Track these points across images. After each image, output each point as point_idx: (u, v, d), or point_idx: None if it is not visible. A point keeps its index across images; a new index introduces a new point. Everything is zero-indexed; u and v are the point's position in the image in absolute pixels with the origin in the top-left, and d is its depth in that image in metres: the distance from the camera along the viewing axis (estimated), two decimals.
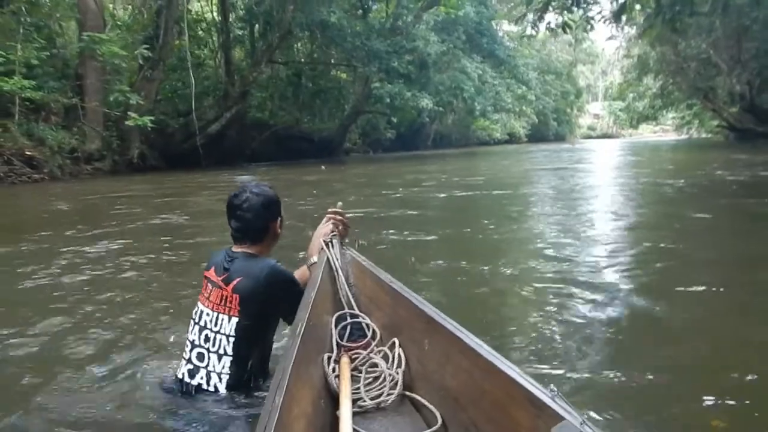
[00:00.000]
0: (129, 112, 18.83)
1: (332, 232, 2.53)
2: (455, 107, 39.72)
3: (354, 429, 1.51)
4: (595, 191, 12.87)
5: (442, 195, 12.38)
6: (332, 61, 32.23)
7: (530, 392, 1.21)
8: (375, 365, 1.94)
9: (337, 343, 2.10)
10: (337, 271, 2.34)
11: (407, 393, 1.80)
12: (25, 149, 17.08)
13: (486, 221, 8.48)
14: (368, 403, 1.75)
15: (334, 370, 1.92)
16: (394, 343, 1.99)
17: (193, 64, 24.71)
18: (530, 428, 1.21)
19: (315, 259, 2.46)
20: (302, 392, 1.57)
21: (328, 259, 2.38)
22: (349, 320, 2.20)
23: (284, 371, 1.47)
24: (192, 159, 23.90)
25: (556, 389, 1.20)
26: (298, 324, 1.81)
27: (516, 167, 22.71)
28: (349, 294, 2.28)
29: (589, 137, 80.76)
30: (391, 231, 7.21)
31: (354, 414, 1.62)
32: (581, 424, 1.09)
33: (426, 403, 1.68)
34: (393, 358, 1.94)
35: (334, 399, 1.77)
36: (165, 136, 23.91)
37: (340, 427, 1.47)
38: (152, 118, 19.49)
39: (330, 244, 2.45)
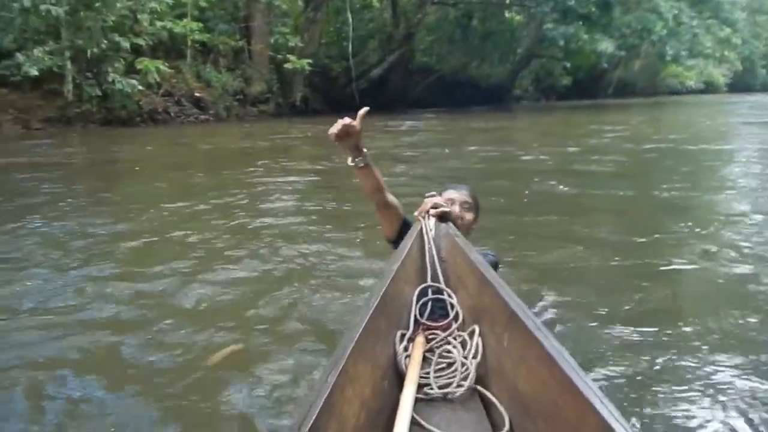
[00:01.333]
0: (289, 55, 18.79)
1: (432, 208, 2.37)
2: (642, 51, 35.66)
3: (413, 417, 1.40)
4: None
5: (626, 150, 11.02)
6: (505, 1, 30.06)
7: (605, 421, 1.03)
8: (450, 351, 1.76)
9: (416, 320, 1.92)
10: (427, 242, 2.20)
11: (478, 387, 1.63)
12: (195, 90, 17.76)
13: (675, 186, 7.21)
14: (435, 391, 1.59)
15: (406, 349, 1.76)
16: (474, 330, 1.81)
17: (357, 6, 24.27)
18: None
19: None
20: (363, 371, 1.44)
21: (420, 229, 2.26)
22: (431, 296, 2.02)
23: (345, 347, 1.38)
24: (355, 103, 23.72)
25: (638, 425, 1.21)
26: (373, 295, 1.70)
27: (717, 120, 19.76)
28: (438, 267, 2.10)
29: None
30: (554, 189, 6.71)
31: (417, 401, 1.51)
32: None
33: (496, 402, 1.54)
34: (470, 346, 1.75)
35: (401, 381, 1.60)
36: (328, 80, 23.91)
37: (398, 414, 1.36)
38: (310, 61, 19.37)
39: (425, 216, 2.34)
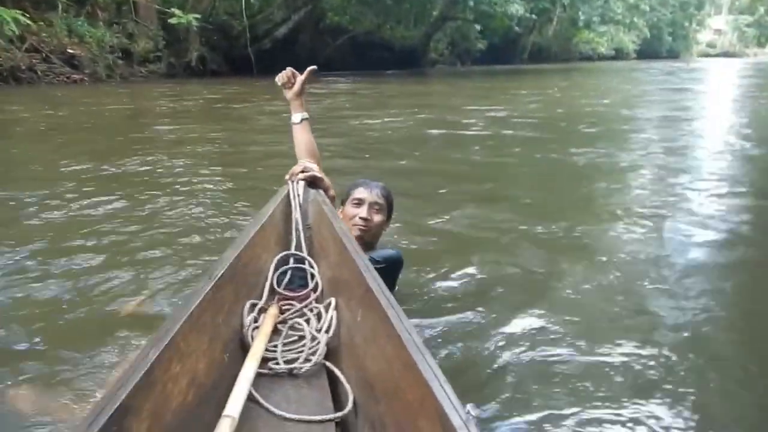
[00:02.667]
0: (174, 9, 16.81)
1: (302, 172, 2.16)
2: (556, 16, 35.25)
3: (251, 393, 1.30)
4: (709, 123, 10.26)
5: (535, 120, 10.18)
6: None
7: (441, 407, 0.95)
8: (301, 324, 1.65)
9: (272, 290, 1.79)
10: (294, 207, 2.05)
11: (327, 363, 1.52)
12: (68, 47, 15.57)
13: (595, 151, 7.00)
14: (281, 366, 1.48)
15: (256, 320, 1.63)
16: (330, 303, 1.69)
17: None
18: None
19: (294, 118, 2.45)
20: (196, 344, 1.30)
21: (287, 194, 2.10)
22: (292, 264, 1.89)
23: (175, 319, 1.25)
24: (259, 65, 21.90)
25: (473, 413, 1.14)
26: (220, 262, 1.57)
27: (637, 87, 19.42)
28: (302, 235, 1.98)
29: (707, 55, 71.63)
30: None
31: (261, 376, 1.42)
32: None
33: (343, 380, 1.44)
34: (324, 319, 1.64)
35: (246, 355, 1.43)
36: (229, 39, 21.93)
37: (233, 390, 1.22)
38: (198, 16, 17.47)
39: (294, 179, 2.14)
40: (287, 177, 2.19)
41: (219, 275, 1.50)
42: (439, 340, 2.36)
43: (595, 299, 2.86)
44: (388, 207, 2.44)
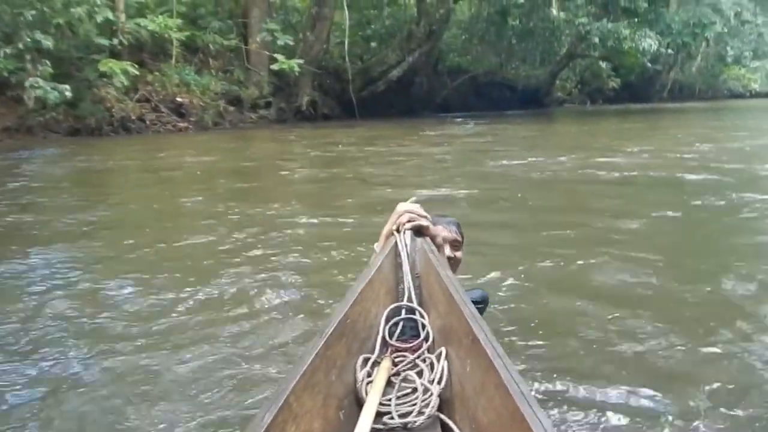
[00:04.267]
0: (276, 55, 16.44)
1: (408, 222, 2.09)
2: (701, 52, 31.84)
3: None
4: None
5: (685, 162, 8.80)
6: None
7: None
8: (413, 377, 1.57)
9: (385, 342, 1.75)
10: (404, 258, 1.98)
11: (441, 416, 1.45)
12: (177, 95, 15.65)
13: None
14: (395, 420, 1.43)
15: (370, 374, 1.58)
16: (440, 353, 1.62)
17: (381, 2, 21.79)
18: None
19: (378, 247, 2.20)
20: (310, 404, 1.33)
21: (395, 245, 2.04)
22: (403, 315, 1.84)
23: (288, 381, 1.27)
24: (373, 108, 21.25)
25: None
26: (330, 320, 1.59)
27: None
28: (412, 286, 1.91)
29: None
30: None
31: (376, 431, 1.36)
32: None
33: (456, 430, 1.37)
34: (436, 370, 1.57)
35: (360, 411, 1.41)
36: (342, 82, 21.45)
37: None
38: (300, 61, 16.91)
39: (400, 231, 2.08)
40: (394, 227, 2.12)
41: (329, 332, 1.51)
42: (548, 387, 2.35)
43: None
44: (463, 241, 2.49)
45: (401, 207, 2.15)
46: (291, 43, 16.90)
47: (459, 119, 20.59)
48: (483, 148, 11.78)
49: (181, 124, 15.54)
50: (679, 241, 4.82)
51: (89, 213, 6.05)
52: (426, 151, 11.48)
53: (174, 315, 3.21)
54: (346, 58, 19.32)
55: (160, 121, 15.30)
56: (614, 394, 2.30)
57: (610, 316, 3.08)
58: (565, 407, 2.24)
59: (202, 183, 8.38)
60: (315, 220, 5.49)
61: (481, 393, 1.31)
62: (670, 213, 5.58)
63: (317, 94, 20.01)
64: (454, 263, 2.33)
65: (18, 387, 2.48)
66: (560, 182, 7.72)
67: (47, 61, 12.64)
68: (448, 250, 2.33)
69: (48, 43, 12.57)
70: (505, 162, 9.47)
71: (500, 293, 3.43)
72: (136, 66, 14.38)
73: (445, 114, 23.61)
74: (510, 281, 3.63)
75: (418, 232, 2.12)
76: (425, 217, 2.14)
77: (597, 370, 2.53)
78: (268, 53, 17.35)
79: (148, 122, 15.11)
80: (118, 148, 13.06)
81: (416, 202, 2.22)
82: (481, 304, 2.40)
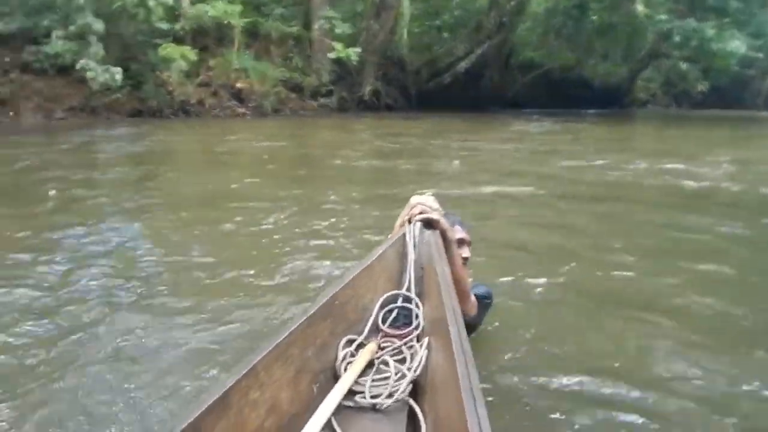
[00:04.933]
0: (334, 43, 16.10)
1: (419, 214, 2.10)
2: None
3: (331, 422, 1.38)
4: None
5: None
6: None
7: None
8: (387, 363, 1.65)
9: (375, 326, 1.84)
10: (410, 248, 2.02)
11: (410, 400, 1.54)
12: (237, 81, 15.60)
13: None
14: (366, 400, 1.52)
15: (353, 354, 1.67)
16: (424, 343, 1.70)
17: None
18: None
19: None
20: (280, 374, 1.40)
21: (403, 235, 2.08)
22: (399, 303, 1.92)
23: (260, 350, 1.36)
24: (439, 100, 20.61)
25: None
26: (317, 299, 1.70)
27: None
28: (412, 276, 1.96)
29: None
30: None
31: (345, 408, 1.48)
32: None
33: (421, 418, 1.46)
34: (417, 359, 1.63)
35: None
36: (407, 73, 20.95)
37: (311, 418, 1.32)
38: (358, 50, 16.46)
39: (411, 222, 2.10)
40: (406, 218, 2.13)
41: (313, 312, 1.58)
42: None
43: None
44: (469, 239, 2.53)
45: (415, 199, 2.16)
46: (349, 31, 16.54)
47: (530, 116, 19.64)
48: (553, 148, 11.06)
49: (240, 110, 15.49)
50: (748, 261, 4.22)
51: (151, 190, 6.34)
52: (492, 147, 10.93)
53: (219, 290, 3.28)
54: (405, 49, 18.67)
55: (219, 105, 15.30)
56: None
57: (651, 329, 2.91)
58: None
59: (262, 167, 8.38)
60: (374, 212, 5.31)
61: (443, 384, 1.36)
62: (746, 231, 5.02)
63: (380, 84, 19.57)
64: (465, 262, 2.37)
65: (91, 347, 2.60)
66: (633, 188, 7.10)
67: (100, 44, 12.74)
68: (466, 251, 2.40)
69: (99, 26, 12.70)
70: (575, 163, 8.89)
71: (535, 295, 3.31)
72: (196, 51, 14.40)
73: (514, 110, 22.66)
74: (545, 284, 3.45)
75: (429, 224, 2.10)
76: (437, 210, 2.13)
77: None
78: (329, 41, 17.07)
79: (207, 106, 15.15)
80: (179, 130, 13.15)
81: (433, 196, 2.21)
82: (487, 299, 2.47)
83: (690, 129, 18.37)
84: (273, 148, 10.41)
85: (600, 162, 8.98)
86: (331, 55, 16.39)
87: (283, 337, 1.42)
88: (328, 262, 3.80)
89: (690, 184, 7.20)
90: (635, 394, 2.33)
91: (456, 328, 1.39)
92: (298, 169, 8.42)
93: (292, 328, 1.47)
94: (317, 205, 5.59)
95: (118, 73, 12.87)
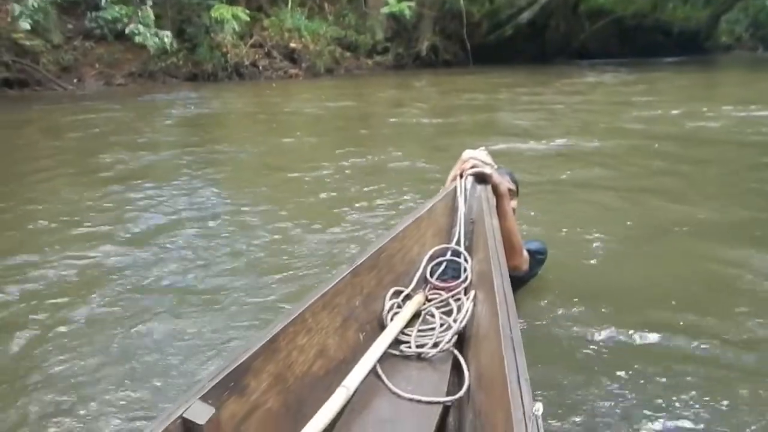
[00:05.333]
0: None
1: (472, 168, 2.09)
2: None
3: (376, 368, 1.44)
4: None
5: None
6: None
7: (509, 402, 0.96)
8: (433, 314, 1.69)
9: (424, 278, 1.88)
10: (460, 202, 2.03)
11: (454, 350, 1.57)
12: (290, 41, 15.45)
13: None
14: (411, 349, 1.57)
15: (399, 306, 1.72)
16: (471, 296, 1.73)
17: None
18: None
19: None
20: (327, 321, 1.45)
21: (454, 189, 2.09)
22: (448, 257, 1.94)
23: (307, 299, 1.40)
24: (500, 54, 19.81)
25: (539, 412, 0.92)
26: (363, 251, 1.72)
27: None
28: (462, 230, 1.97)
29: None
30: None
31: (391, 356, 1.54)
32: None
33: (465, 368, 1.48)
34: (463, 311, 1.66)
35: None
36: (468, 26, 20.15)
37: (357, 365, 1.38)
38: (411, 4, 15.86)
39: (465, 174, 2.10)
40: (458, 172, 2.11)
41: (360, 262, 1.62)
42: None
43: None
44: (517, 191, 2.47)
45: (467, 153, 2.14)
46: None
47: (601, 67, 18.53)
48: (626, 100, 10.33)
49: (293, 71, 15.37)
50: None
51: (217, 153, 6.42)
52: (559, 100, 10.36)
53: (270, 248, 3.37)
54: (463, 0, 17.82)
55: (272, 67, 15.22)
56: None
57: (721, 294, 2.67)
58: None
59: (323, 127, 8.45)
60: (437, 166, 5.20)
61: (485, 335, 1.39)
62: None
63: (438, 39, 18.94)
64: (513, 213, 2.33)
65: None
66: (715, 141, 6.43)
67: (148, 7, 12.80)
68: (514, 203, 2.31)
69: None
70: (650, 114, 8.31)
71: (594, 251, 3.16)
72: (247, 12, 14.29)
73: (583, 61, 21.50)
74: (605, 240, 3.28)
75: (481, 179, 2.08)
76: (489, 165, 2.11)
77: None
78: None
79: (260, 68, 15.10)
80: (238, 92, 13.21)
81: (485, 150, 2.19)
82: (540, 254, 2.42)
83: None
84: (333, 108, 10.31)
85: (680, 112, 8.40)
86: (384, 10, 15.92)
87: (331, 286, 1.48)
88: (393, 214, 3.91)
89: None
90: (692, 347, 2.20)
91: (501, 282, 1.39)
92: (360, 128, 8.37)
93: (339, 278, 1.52)
94: (381, 163, 5.60)
95: (167, 36, 12.93)
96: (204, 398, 1.04)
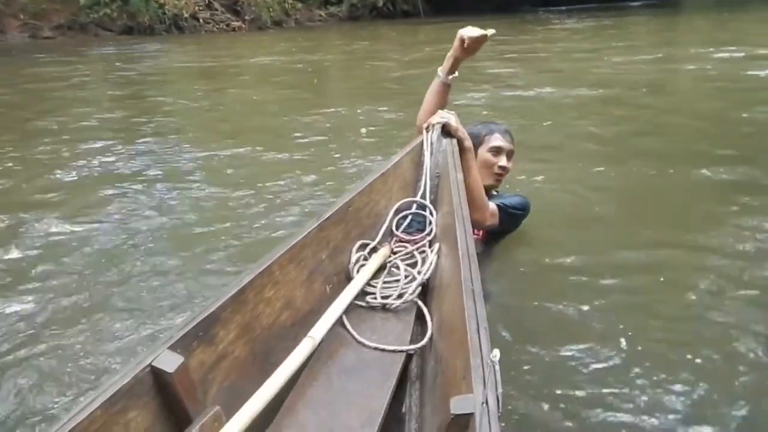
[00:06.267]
0: None
1: (442, 119, 2.05)
2: None
3: (341, 319, 1.48)
4: None
5: None
6: None
7: (468, 348, 0.99)
8: (398, 266, 1.71)
9: (390, 231, 1.87)
10: (426, 156, 1.99)
11: (417, 301, 1.60)
12: None
13: None
14: (376, 300, 1.59)
15: (366, 258, 1.73)
16: (435, 248, 1.75)
17: None
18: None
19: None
20: (294, 274, 1.47)
21: (420, 142, 2.05)
22: (413, 210, 1.92)
23: (274, 252, 1.42)
24: (462, 3, 18.84)
25: (495, 358, 0.90)
26: (331, 205, 1.74)
27: None
28: (428, 183, 1.95)
29: None
30: None
31: (357, 307, 1.57)
32: (482, 404, 0.90)
33: (427, 318, 1.51)
34: (427, 262, 1.69)
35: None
36: None
37: (323, 315, 1.40)
38: None
39: (431, 128, 2.05)
40: (424, 125, 2.07)
41: (327, 216, 1.63)
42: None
43: None
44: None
45: (439, 112, 2.10)
46: None
47: (567, 14, 17.68)
48: (600, 46, 9.66)
49: (235, 23, 14.31)
50: None
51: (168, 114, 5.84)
52: (531, 49, 9.72)
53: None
54: None
55: (213, 19, 14.15)
56: None
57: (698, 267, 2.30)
58: None
59: (280, 83, 7.67)
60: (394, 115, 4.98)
61: (448, 287, 1.41)
62: None
63: None
64: (504, 174, 2.35)
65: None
66: (686, 86, 5.97)
67: None
68: (504, 161, 2.30)
69: None
70: (626, 60, 7.75)
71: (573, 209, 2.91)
72: None
73: (550, 8, 20.68)
74: (587, 197, 3.02)
75: (447, 133, 2.06)
76: (454, 118, 2.08)
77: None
78: None
79: (201, 20, 14.02)
80: (185, 47, 12.10)
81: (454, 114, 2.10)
82: (518, 209, 2.32)
83: (754, 12, 16.00)
84: (290, 63, 9.54)
85: (656, 56, 7.98)
86: None
87: (298, 239, 1.49)
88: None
89: (757, 74, 6.08)
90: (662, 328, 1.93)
91: (464, 235, 1.42)
92: (324, 83, 7.80)
93: (306, 232, 1.53)
94: (346, 120, 5.16)
95: None
96: (173, 347, 1.06)
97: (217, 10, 14.20)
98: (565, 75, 6.98)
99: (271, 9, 14.99)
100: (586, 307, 2.00)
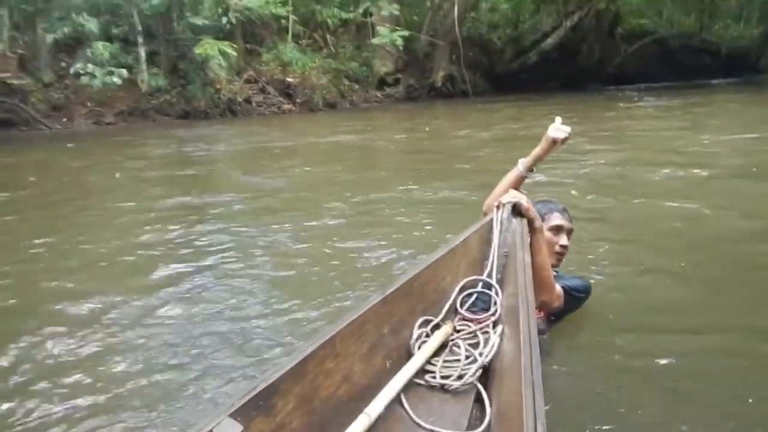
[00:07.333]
0: (378, 26, 14.33)
1: (513, 198, 2.06)
2: None
3: (399, 397, 1.45)
4: None
5: None
6: None
7: None
8: (459, 345, 1.68)
9: (454, 309, 1.85)
10: (495, 234, 1.99)
11: (477, 384, 1.56)
12: (285, 76, 14.44)
13: None
14: (436, 380, 1.56)
15: (428, 335, 1.71)
16: (498, 330, 1.72)
17: None
18: None
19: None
20: (354, 348, 1.47)
21: (490, 220, 2.06)
22: (479, 288, 1.90)
23: (336, 325, 1.44)
24: (526, 82, 18.32)
25: None
26: (396, 280, 1.73)
27: None
28: (495, 262, 1.93)
29: None
30: None
31: (415, 385, 1.54)
32: None
33: (486, 403, 1.48)
34: (490, 344, 1.65)
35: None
36: (489, 54, 18.75)
37: (380, 392, 1.39)
38: (405, 34, 14.53)
39: (502, 206, 2.07)
40: (496, 203, 2.09)
41: (391, 291, 1.63)
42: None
43: None
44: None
45: (511, 191, 2.11)
46: (396, 12, 14.65)
47: (642, 92, 16.58)
48: (687, 125, 9.11)
49: (286, 106, 14.31)
50: None
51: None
52: (606, 128, 9.19)
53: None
54: (457, 28, 16.28)
55: (265, 102, 14.24)
56: None
57: None
58: None
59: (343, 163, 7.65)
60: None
61: (508, 372, 1.39)
62: None
63: (455, 68, 17.57)
64: (565, 250, 2.33)
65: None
66: None
67: (100, 45, 12.07)
68: (565, 240, 2.30)
69: (92, 26, 11.95)
70: (716, 138, 7.41)
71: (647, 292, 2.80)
72: (234, 46, 13.34)
73: (620, 86, 19.65)
74: (661, 282, 2.91)
75: (518, 211, 2.04)
76: (526, 198, 2.06)
77: None
78: (391, 26, 15.36)
79: (254, 104, 14.13)
80: (250, 130, 12.17)
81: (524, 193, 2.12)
82: (579, 292, 2.29)
83: None
84: (360, 141, 9.58)
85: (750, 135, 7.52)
86: (375, 41, 14.68)
87: (361, 313, 1.50)
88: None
89: None
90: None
91: (526, 318, 1.41)
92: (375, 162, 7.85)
93: (370, 305, 1.54)
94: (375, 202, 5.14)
95: (121, 74, 12.16)
96: (233, 415, 1.08)
97: (269, 93, 14.29)
98: (666, 155, 6.56)
99: (325, 91, 14.96)
100: (653, 409, 1.88)
